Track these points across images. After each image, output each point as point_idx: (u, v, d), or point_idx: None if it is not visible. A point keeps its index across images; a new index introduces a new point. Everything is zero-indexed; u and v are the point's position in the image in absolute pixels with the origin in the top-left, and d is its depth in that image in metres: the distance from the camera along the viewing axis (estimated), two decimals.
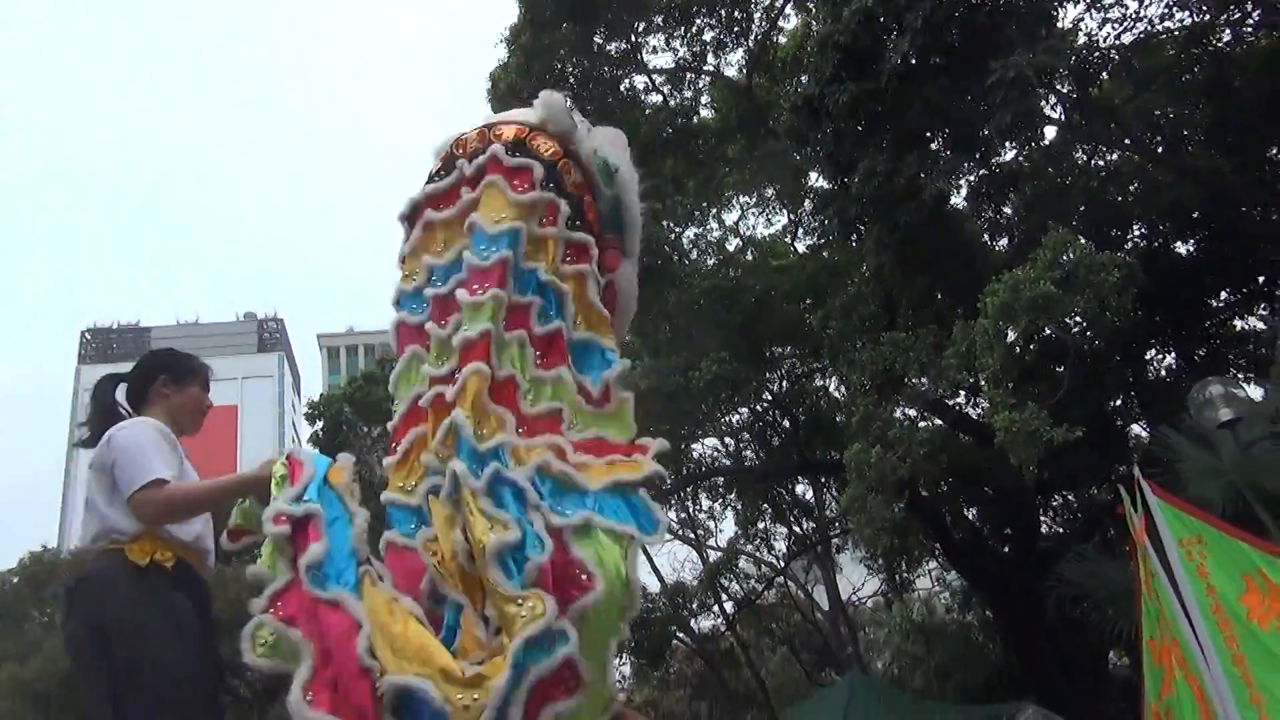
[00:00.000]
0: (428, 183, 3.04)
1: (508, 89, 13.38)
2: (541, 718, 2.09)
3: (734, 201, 17.98)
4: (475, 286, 2.65)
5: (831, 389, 19.44)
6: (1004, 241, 15.46)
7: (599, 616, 2.22)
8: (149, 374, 2.93)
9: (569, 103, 3.04)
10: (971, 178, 14.21)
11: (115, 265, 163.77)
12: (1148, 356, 15.01)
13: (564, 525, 2.29)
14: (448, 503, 2.37)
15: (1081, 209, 13.90)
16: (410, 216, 3.07)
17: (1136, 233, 14.23)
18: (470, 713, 2.02)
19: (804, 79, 12.91)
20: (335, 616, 2.16)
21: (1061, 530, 17.97)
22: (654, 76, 15.96)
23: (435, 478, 2.51)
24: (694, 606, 25.49)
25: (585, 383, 2.75)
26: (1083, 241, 9.98)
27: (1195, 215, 13.59)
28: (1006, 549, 17.61)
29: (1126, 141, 13.40)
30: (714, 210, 17.34)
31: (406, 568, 2.49)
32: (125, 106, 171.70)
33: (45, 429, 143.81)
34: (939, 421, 14.70)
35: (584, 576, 2.23)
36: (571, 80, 13.90)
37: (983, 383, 10.94)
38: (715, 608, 25.75)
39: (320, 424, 21.82)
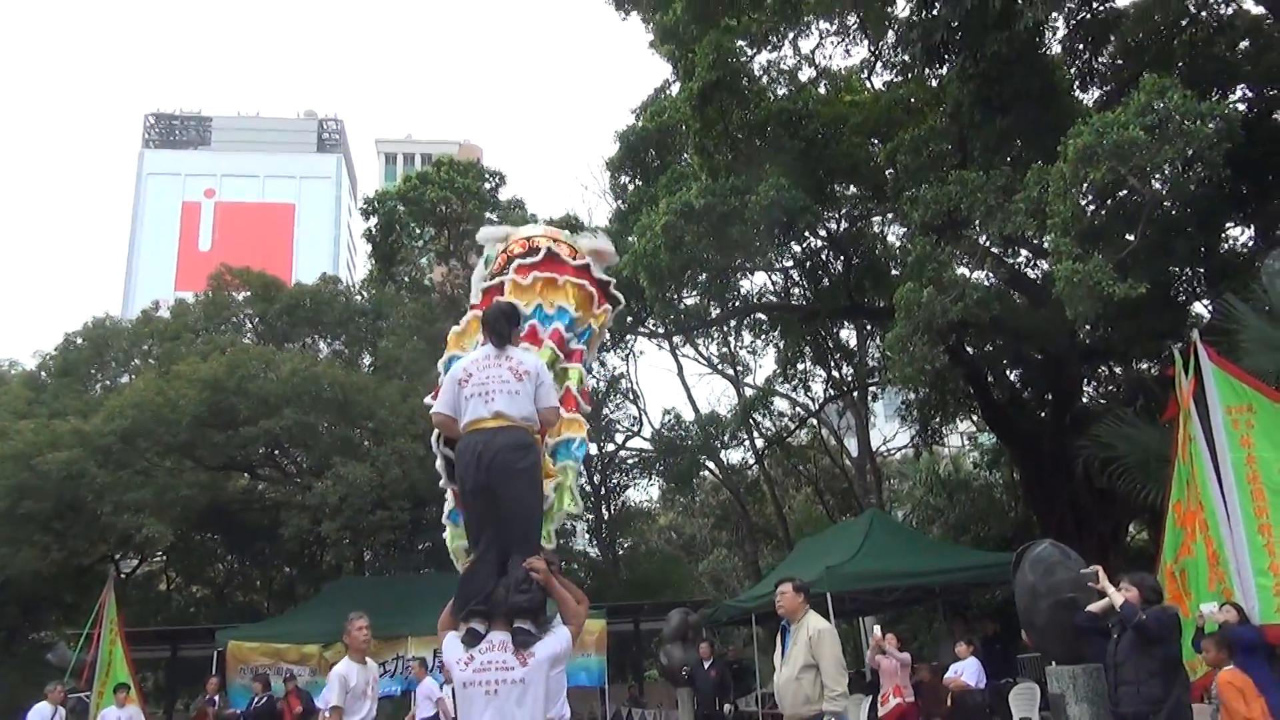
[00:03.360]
0: (521, 257, 5.02)
1: None
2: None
3: (813, 27, 17.03)
4: (562, 341, 4.88)
5: (889, 237, 19.02)
6: (1093, 95, 14.64)
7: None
8: (517, 324, 4.45)
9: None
10: (1071, 20, 13.32)
11: (177, 50, 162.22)
12: (1223, 230, 14.38)
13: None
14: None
15: (1182, 65, 13.03)
16: (499, 274, 5.09)
17: (1238, 95, 13.35)
18: None
19: None
20: None
21: (1102, 401, 17.78)
22: None
23: None
24: (725, 438, 26.01)
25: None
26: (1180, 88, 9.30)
27: None
28: (1044, 414, 17.51)
29: None
30: (790, 35, 16.45)
31: None
32: None
33: (109, 207, 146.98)
34: (994, 277, 14.35)
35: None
36: None
37: (1048, 236, 10.57)
38: (746, 442, 26.23)
39: (374, 220, 21.86)
